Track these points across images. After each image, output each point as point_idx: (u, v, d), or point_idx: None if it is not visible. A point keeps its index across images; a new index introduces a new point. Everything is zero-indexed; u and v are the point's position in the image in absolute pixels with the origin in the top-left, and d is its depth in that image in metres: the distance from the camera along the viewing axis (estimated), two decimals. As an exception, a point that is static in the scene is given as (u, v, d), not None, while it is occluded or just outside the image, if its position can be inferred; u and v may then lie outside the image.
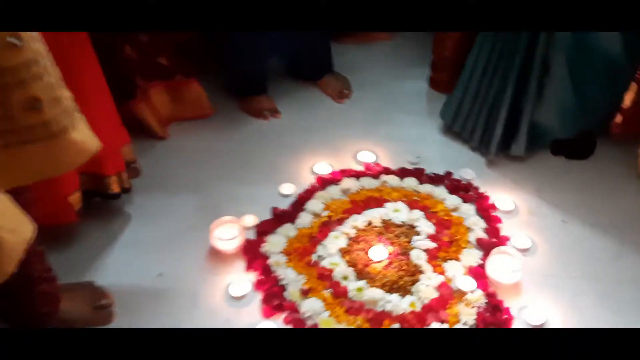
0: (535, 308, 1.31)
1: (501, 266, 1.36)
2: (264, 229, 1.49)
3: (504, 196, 1.60)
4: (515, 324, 1.28)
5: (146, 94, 1.74)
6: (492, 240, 1.46)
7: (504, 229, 1.51)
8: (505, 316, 1.29)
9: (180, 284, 1.37)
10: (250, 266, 1.41)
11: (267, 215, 1.54)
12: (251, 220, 1.52)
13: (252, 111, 1.92)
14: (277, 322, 1.28)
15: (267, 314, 1.30)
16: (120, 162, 1.45)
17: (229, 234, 1.44)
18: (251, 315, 1.30)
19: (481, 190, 1.62)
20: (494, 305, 1.30)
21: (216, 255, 1.44)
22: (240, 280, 1.37)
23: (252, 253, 1.43)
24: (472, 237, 1.47)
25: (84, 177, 1.39)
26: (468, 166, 1.70)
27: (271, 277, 1.37)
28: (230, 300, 1.33)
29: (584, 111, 1.59)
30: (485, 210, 1.55)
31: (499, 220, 1.53)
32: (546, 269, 1.42)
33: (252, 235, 1.49)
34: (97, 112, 1.31)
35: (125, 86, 1.64)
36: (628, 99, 1.63)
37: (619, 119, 1.68)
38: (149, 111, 1.75)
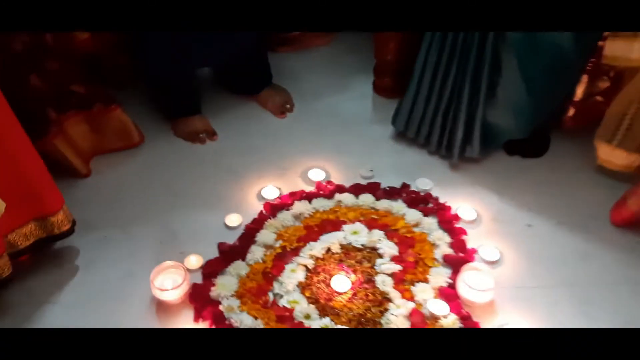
0: (514, 326, 1.22)
1: (472, 283, 1.27)
2: (211, 270, 1.33)
3: (465, 205, 1.50)
4: (496, 348, 1.19)
5: (61, 128, 1.52)
6: (460, 255, 1.37)
7: (470, 240, 1.42)
8: (485, 340, 1.19)
9: (120, 345, 1.20)
10: (199, 316, 1.24)
11: (214, 253, 1.38)
12: (195, 261, 1.36)
13: (186, 135, 1.75)
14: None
15: (224, 371, 1.14)
16: (60, 195, 1.31)
17: (171, 281, 1.27)
18: (205, 375, 1.15)
19: (441, 199, 1.52)
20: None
21: (160, 307, 1.27)
22: (189, 333, 1.21)
23: (201, 300, 1.27)
24: (438, 253, 1.37)
25: (32, 225, 1.27)
26: (424, 173, 1.60)
27: (224, 326, 1.21)
28: (180, 359, 1.17)
29: (537, 108, 1.53)
30: (448, 222, 1.45)
31: (463, 232, 1.43)
32: (518, 280, 1.34)
33: (198, 279, 1.32)
34: (17, 149, 1.18)
35: (36, 122, 1.43)
36: (579, 91, 1.58)
37: (571, 112, 1.63)
38: (67, 146, 1.54)
